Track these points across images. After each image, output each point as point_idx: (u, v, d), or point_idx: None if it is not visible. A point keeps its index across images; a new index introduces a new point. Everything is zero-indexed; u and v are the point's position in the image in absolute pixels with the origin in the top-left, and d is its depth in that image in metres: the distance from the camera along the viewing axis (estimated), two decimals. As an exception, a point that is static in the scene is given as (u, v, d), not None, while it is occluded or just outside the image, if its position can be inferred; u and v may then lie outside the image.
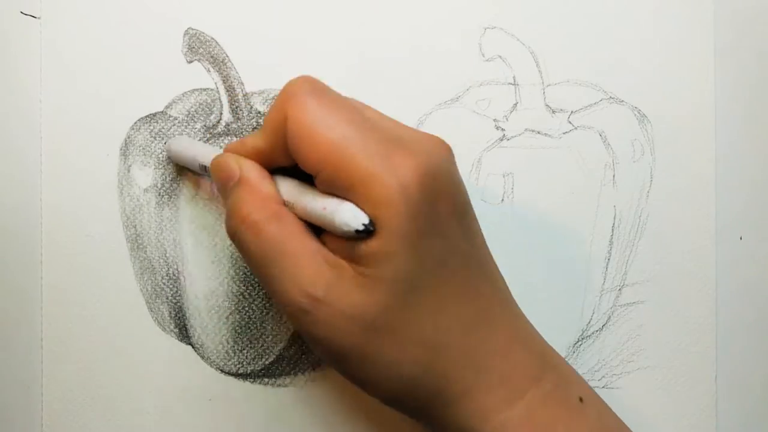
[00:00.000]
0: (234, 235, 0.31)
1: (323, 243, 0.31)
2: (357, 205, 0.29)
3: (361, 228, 0.28)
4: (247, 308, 0.39)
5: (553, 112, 0.40)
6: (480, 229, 0.33)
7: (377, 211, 0.29)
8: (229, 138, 0.39)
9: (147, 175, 0.39)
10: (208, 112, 0.40)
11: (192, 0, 0.40)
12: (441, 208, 0.30)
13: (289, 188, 0.32)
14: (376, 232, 0.29)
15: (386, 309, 0.29)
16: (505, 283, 0.33)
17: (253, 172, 0.32)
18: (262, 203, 0.31)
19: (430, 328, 0.30)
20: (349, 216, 0.29)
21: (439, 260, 0.30)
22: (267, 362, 0.40)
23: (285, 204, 0.32)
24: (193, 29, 0.40)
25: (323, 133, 0.29)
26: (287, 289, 0.30)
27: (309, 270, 0.30)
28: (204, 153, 0.36)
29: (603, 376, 0.40)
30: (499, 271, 0.33)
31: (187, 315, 0.39)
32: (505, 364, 0.31)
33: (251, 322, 0.39)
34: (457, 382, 0.30)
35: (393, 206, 0.28)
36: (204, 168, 0.35)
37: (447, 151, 0.31)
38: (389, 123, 0.32)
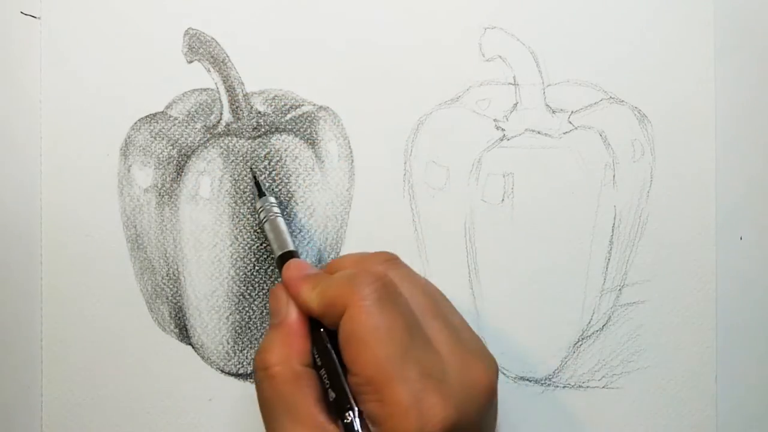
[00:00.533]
0: (256, 371, 0.32)
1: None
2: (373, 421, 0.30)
3: None
4: (247, 308, 0.39)
5: (553, 112, 0.40)
6: None
7: None
8: (230, 138, 0.39)
9: (147, 175, 0.39)
10: (208, 112, 0.40)
11: (192, 0, 0.40)
12: None
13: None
14: None
15: None
16: None
17: (294, 324, 0.33)
18: (288, 357, 0.32)
19: None
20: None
21: None
22: (267, 362, 0.40)
23: (314, 360, 0.32)
24: (193, 29, 0.40)
25: (372, 347, 0.30)
26: None
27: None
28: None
29: (603, 376, 0.40)
30: None
31: (188, 315, 0.39)
32: None
33: (251, 323, 0.39)
34: None
35: None
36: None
37: (488, 394, 0.31)
38: (444, 342, 0.31)
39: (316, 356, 0.32)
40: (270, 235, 0.37)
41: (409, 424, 0.29)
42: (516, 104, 0.40)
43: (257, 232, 0.39)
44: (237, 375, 0.40)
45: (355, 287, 0.31)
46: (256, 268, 0.39)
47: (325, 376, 0.32)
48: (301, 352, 0.32)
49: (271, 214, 0.37)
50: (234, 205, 0.39)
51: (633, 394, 0.40)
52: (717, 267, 0.40)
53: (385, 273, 0.32)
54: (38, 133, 0.39)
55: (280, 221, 0.37)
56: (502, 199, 0.40)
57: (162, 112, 0.40)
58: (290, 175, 0.39)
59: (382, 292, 0.31)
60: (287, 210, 0.39)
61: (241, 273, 0.39)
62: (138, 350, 0.39)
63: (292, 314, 0.33)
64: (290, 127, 0.40)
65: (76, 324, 0.39)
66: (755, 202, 0.40)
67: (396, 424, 0.29)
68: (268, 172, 0.39)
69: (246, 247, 0.39)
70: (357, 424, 0.30)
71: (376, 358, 0.30)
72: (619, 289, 0.40)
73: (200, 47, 0.40)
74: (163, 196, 0.39)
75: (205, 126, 0.40)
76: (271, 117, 0.40)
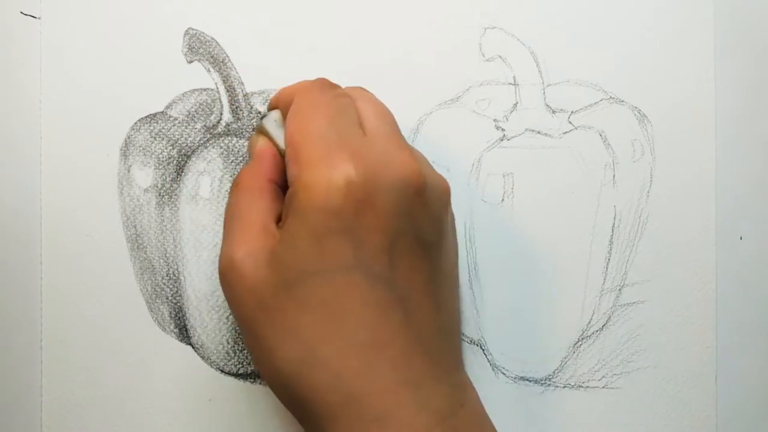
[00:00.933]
0: (231, 191, 0.34)
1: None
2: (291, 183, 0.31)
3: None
4: (247, 308, 0.39)
5: (553, 112, 0.40)
6: (427, 270, 0.31)
7: (300, 192, 0.30)
8: (230, 138, 0.39)
9: (147, 175, 0.39)
10: (208, 112, 0.40)
11: (192, 0, 0.40)
12: (366, 221, 0.29)
13: None
14: (291, 213, 0.30)
15: (275, 291, 0.30)
16: (432, 326, 0.31)
17: (266, 149, 0.34)
18: (257, 173, 0.33)
19: (310, 331, 0.29)
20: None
21: (345, 268, 0.29)
22: (267, 362, 0.40)
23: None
24: (193, 29, 0.40)
25: (300, 117, 0.32)
26: (222, 249, 0.32)
27: (242, 234, 0.31)
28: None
29: (603, 376, 0.40)
30: (432, 315, 0.31)
31: (188, 315, 0.39)
32: (385, 404, 0.29)
33: (251, 322, 0.39)
34: (324, 404, 0.29)
35: (312, 192, 0.29)
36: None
37: (414, 184, 0.31)
38: (377, 135, 0.32)
39: None
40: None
41: (318, 174, 0.29)
42: (516, 104, 0.40)
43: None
44: (237, 375, 0.40)
45: (303, 83, 0.34)
46: (256, 268, 0.39)
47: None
48: (269, 169, 0.33)
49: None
50: (234, 205, 0.39)
51: (633, 394, 0.40)
52: (717, 267, 0.40)
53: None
54: (38, 133, 0.39)
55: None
56: (502, 199, 0.40)
57: (162, 112, 0.40)
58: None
59: (323, 83, 0.33)
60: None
61: (241, 273, 0.39)
62: (138, 350, 0.39)
63: (262, 144, 0.34)
64: (290, 127, 0.40)
65: (76, 324, 0.39)
66: (755, 202, 0.40)
67: (305, 175, 0.30)
68: (268, 172, 0.39)
69: (246, 247, 0.39)
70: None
71: (300, 123, 0.31)
72: (619, 289, 0.40)
73: (200, 47, 0.40)
74: (163, 196, 0.39)
75: (205, 126, 0.40)
76: (271, 117, 0.40)
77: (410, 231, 0.30)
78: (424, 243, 0.31)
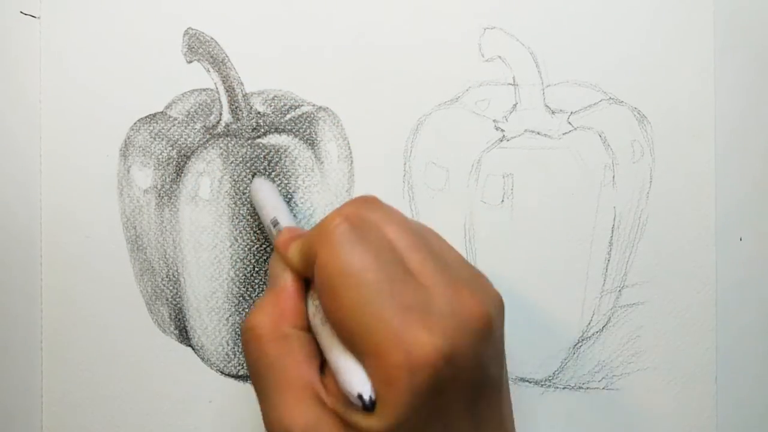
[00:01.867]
0: (244, 332, 0.31)
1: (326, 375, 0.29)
2: (368, 372, 0.27)
3: (360, 404, 0.27)
4: (247, 310, 0.39)
5: (553, 112, 0.40)
6: (497, 410, 0.30)
7: (381, 388, 0.27)
8: (229, 139, 0.39)
9: (147, 176, 0.39)
10: (208, 112, 0.40)
11: (192, 0, 0.40)
12: (451, 395, 0.28)
13: (317, 314, 0.31)
14: (375, 410, 0.27)
15: None
16: None
17: (287, 286, 0.31)
18: (277, 319, 0.30)
19: None
20: (353, 383, 0.27)
21: None
22: (267, 363, 0.40)
23: (310, 325, 0.31)
24: (193, 29, 0.40)
25: (343, 294, 0.28)
26: (268, 413, 0.29)
27: (292, 404, 0.29)
28: (273, 212, 0.36)
29: (603, 377, 0.40)
30: None
31: (187, 316, 0.39)
32: None
33: (251, 323, 0.39)
34: None
35: (397, 389, 0.26)
36: (272, 224, 0.35)
37: (481, 323, 0.28)
38: (431, 275, 0.29)
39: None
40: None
41: (396, 363, 0.26)
42: (515, 105, 0.40)
43: (257, 233, 0.39)
44: (237, 376, 0.40)
45: (321, 231, 0.29)
46: (256, 269, 0.39)
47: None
48: (291, 313, 0.31)
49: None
50: (234, 206, 0.39)
51: (633, 396, 0.40)
52: (717, 268, 0.40)
53: (356, 212, 0.30)
54: (38, 133, 0.39)
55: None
56: (502, 200, 0.40)
57: (161, 112, 0.40)
58: (290, 176, 0.39)
59: (348, 233, 0.29)
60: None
61: (241, 274, 0.39)
62: (138, 351, 0.39)
63: (285, 278, 0.31)
64: (290, 127, 0.40)
65: (76, 324, 0.39)
66: (755, 202, 0.40)
67: (383, 366, 0.27)
68: (267, 173, 0.39)
69: (246, 248, 0.39)
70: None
71: (349, 304, 0.28)
72: (619, 290, 0.40)
73: (200, 47, 0.40)
74: (162, 197, 0.39)
75: (204, 126, 0.40)
76: (271, 117, 0.40)
77: (484, 379, 0.29)
78: (493, 380, 0.30)
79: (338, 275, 0.28)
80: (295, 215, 0.39)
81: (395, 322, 0.27)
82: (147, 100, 0.40)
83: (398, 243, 0.29)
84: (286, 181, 0.39)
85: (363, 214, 0.30)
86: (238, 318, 0.39)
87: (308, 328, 0.31)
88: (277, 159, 0.39)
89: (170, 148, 0.39)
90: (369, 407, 0.27)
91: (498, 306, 0.30)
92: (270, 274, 0.33)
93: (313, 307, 0.31)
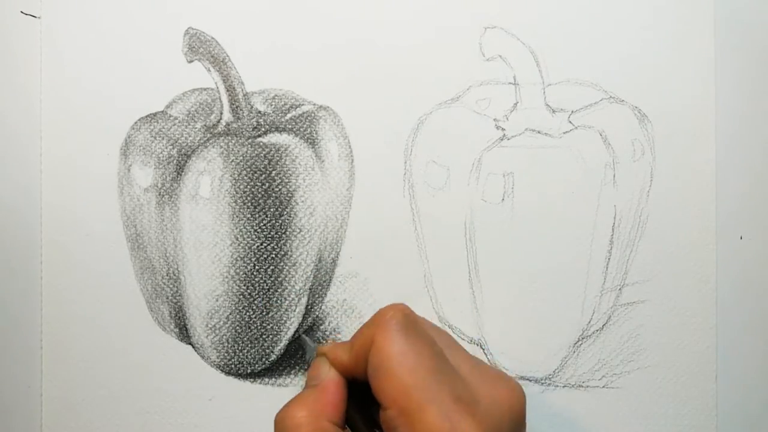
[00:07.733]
0: (279, 421, 0.32)
1: None
2: None
3: None
4: (247, 308, 0.39)
5: (554, 111, 0.40)
6: None
7: None
8: (230, 138, 0.39)
9: (147, 175, 0.39)
10: (209, 111, 0.40)
11: (192, 0, 0.40)
12: None
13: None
14: None
15: None
16: None
17: (328, 383, 0.33)
18: (318, 413, 0.32)
19: None
20: None
21: None
22: (267, 362, 0.40)
23: (347, 421, 0.32)
24: (193, 29, 0.40)
25: (401, 374, 0.30)
26: None
27: None
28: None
29: (603, 376, 0.40)
30: None
31: (188, 315, 0.39)
32: None
33: (251, 322, 0.39)
34: None
35: None
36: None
37: (515, 414, 0.31)
38: (468, 370, 0.32)
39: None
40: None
41: None
42: (516, 104, 0.40)
43: (257, 232, 0.39)
44: (237, 375, 0.40)
45: (378, 321, 0.31)
46: (256, 267, 0.39)
47: None
48: (332, 408, 0.32)
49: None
50: (234, 204, 0.39)
51: (633, 394, 0.40)
52: (717, 267, 0.40)
53: (403, 309, 0.32)
54: (38, 133, 0.39)
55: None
56: (502, 199, 0.40)
57: (162, 111, 0.40)
58: (290, 175, 0.39)
59: (404, 321, 0.31)
60: (287, 210, 0.39)
61: (241, 272, 0.39)
62: (138, 350, 0.39)
63: (329, 374, 0.33)
64: (290, 126, 0.40)
65: (76, 324, 0.39)
66: (755, 201, 0.40)
67: None
68: (268, 172, 0.39)
69: (246, 247, 0.39)
70: None
71: (405, 385, 0.30)
72: (619, 289, 0.40)
73: (200, 47, 0.40)
74: (163, 195, 0.39)
75: (205, 125, 0.40)
76: (271, 116, 0.40)
77: None
78: None
79: (396, 356, 0.30)
80: (296, 214, 0.39)
81: (449, 409, 0.29)
82: (147, 99, 0.40)
83: (438, 339, 0.32)
84: (286, 180, 0.39)
85: (408, 312, 0.32)
86: (238, 316, 0.39)
87: (344, 427, 0.32)
88: (277, 158, 0.39)
89: (171, 147, 0.39)
90: None
91: (523, 396, 0.32)
92: (309, 376, 0.34)
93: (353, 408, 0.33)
